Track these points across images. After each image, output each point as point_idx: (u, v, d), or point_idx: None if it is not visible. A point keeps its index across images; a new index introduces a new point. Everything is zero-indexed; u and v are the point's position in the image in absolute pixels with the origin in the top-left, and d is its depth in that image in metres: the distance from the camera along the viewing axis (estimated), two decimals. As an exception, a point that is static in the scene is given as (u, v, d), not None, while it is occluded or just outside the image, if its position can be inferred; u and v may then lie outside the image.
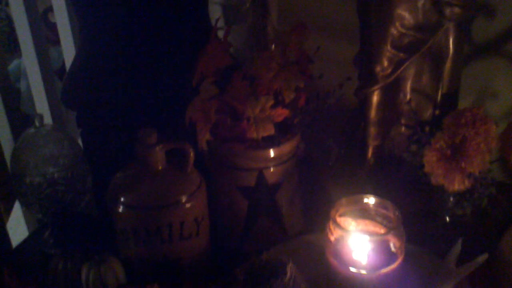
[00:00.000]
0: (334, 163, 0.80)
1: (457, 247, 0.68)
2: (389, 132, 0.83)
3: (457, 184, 0.66)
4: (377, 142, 0.84)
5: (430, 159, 0.67)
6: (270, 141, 0.76)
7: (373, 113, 0.83)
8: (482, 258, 0.66)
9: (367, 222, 0.71)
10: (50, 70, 1.35)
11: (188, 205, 0.72)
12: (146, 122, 0.86)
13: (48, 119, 1.22)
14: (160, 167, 0.73)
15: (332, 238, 0.69)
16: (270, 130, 0.72)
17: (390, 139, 0.83)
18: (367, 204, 0.69)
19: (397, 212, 0.67)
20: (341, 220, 0.70)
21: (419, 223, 0.78)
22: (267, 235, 0.80)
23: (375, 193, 0.73)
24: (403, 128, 0.82)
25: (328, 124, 0.83)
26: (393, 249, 0.68)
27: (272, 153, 0.76)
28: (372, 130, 0.83)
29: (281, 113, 0.72)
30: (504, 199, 0.71)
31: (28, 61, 1.28)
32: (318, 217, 0.76)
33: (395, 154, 0.82)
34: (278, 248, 0.76)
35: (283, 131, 0.78)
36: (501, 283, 0.67)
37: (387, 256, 0.68)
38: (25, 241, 0.90)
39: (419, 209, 0.78)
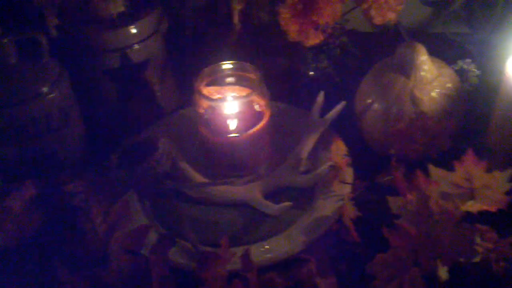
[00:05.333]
0: (190, 34, 0.78)
1: (320, 99, 0.71)
2: (251, -6, 0.81)
3: (312, 38, 0.67)
4: (242, 5, 0.82)
5: (284, 16, 0.67)
6: (128, 18, 0.73)
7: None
8: (340, 106, 0.69)
9: (234, 87, 0.72)
10: None
11: (50, 96, 0.69)
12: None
13: None
14: (12, 61, 0.69)
15: (200, 109, 0.69)
16: (118, 8, 0.68)
17: (254, 1, 0.82)
18: (227, 69, 0.70)
19: (258, 72, 0.68)
20: (208, 89, 0.71)
21: (287, 82, 0.80)
22: (142, 116, 0.79)
23: (245, 58, 0.73)
24: (265, -12, 0.80)
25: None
26: (259, 108, 0.70)
27: (132, 30, 0.74)
28: (234, -6, 0.81)
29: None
30: (355, 47, 0.73)
31: None
32: (192, 90, 0.76)
33: (260, 17, 0.81)
34: (153, 126, 0.76)
35: (141, 6, 0.75)
36: (362, 123, 0.71)
37: (255, 116, 0.70)
38: None
39: (286, 68, 0.80)
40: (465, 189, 0.54)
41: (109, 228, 0.61)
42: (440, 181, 0.55)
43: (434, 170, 0.55)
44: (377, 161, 0.69)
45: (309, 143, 0.70)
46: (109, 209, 0.63)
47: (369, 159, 0.70)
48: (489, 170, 0.54)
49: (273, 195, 0.68)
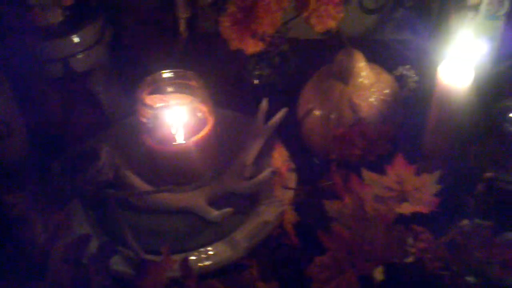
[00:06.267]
0: (132, 42, 0.78)
1: (263, 106, 0.72)
2: (196, 4, 0.82)
3: (252, 47, 0.68)
4: (187, 14, 0.83)
5: (225, 25, 0.68)
6: (70, 27, 0.73)
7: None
8: (282, 112, 0.70)
9: (177, 95, 0.72)
10: None
11: (-11, 107, 0.69)
12: None
13: None
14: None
15: (143, 119, 0.69)
16: (57, 17, 0.68)
17: (199, 10, 0.82)
18: (169, 78, 0.70)
19: (199, 80, 0.68)
20: (152, 98, 0.71)
21: (234, 89, 0.81)
22: (88, 125, 0.79)
23: (192, 67, 0.73)
24: (210, -1, 0.81)
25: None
26: (203, 115, 0.70)
27: (75, 39, 0.73)
28: (180, 2, 0.81)
29: (68, -4, 0.68)
30: (293, 55, 0.75)
31: None
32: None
33: (205, 26, 0.82)
34: (99, 136, 0.76)
35: (84, 15, 0.75)
36: (304, 129, 0.72)
37: (199, 124, 0.70)
38: None
39: (232, 76, 0.81)
40: (397, 192, 0.56)
41: (49, 238, 0.61)
42: (373, 184, 0.56)
43: (367, 174, 0.57)
44: (320, 166, 0.70)
45: (254, 149, 0.71)
46: (50, 219, 0.63)
47: (312, 164, 0.72)
48: (419, 173, 0.56)
49: (218, 201, 0.68)
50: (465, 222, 0.59)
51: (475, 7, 0.68)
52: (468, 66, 0.61)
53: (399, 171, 0.56)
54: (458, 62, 0.61)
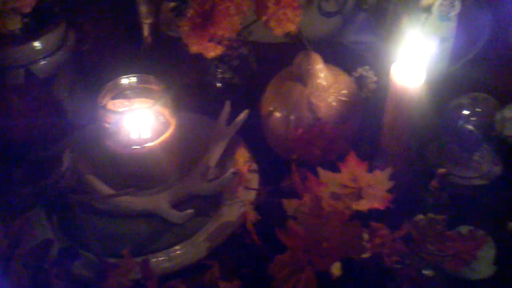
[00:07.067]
0: (93, 47, 0.79)
1: (226, 109, 0.73)
2: (160, 9, 0.83)
3: (211, 50, 0.69)
4: (150, 19, 0.83)
5: (184, 29, 0.69)
6: (32, 34, 0.73)
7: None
8: (244, 114, 0.72)
9: (140, 100, 0.73)
10: None
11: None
12: None
13: None
14: None
15: (105, 124, 0.70)
16: (17, 24, 0.68)
17: (162, 15, 0.83)
18: (131, 83, 0.71)
19: (161, 84, 0.69)
20: (115, 102, 0.72)
21: (199, 93, 0.81)
22: (51, 131, 0.79)
23: (155, 71, 0.74)
24: (171, 4, 0.81)
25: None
26: (165, 119, 0.71)
27: (36, 45, 0.74)
28: (143, 8, 0.82)
29: (27, 3, 0.68)
30: (254, 58, 0.76)
31: None
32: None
33: (168, 31, 0.82)
34: (62, 142, 0.76)
35: (46, 21, 0.75)
36: (266, 130, 0.73)
37: (161, 127, 0.71)
38: None
39: (197, 80, 0.81)
40: (352, 189, 0.57)
41: (10, 244, 0.61)
42: (329, 182, 0.57)
43: (322, 172, 0.58)
44: (282, 166, 0.71)
45: (217, 151, 0.72)
46: (11, 225, 0.63)
47: (274, 165, 0.73)
48: (372, 170, 0.57)
49: (182, 203, 0.69)
50: (420, 216, 0.61)
51: (428, 9, 0.71)
52: (420, 67, 0.62)
53: (352, 169, 0.57)
54: (410, 62, 0.63)
